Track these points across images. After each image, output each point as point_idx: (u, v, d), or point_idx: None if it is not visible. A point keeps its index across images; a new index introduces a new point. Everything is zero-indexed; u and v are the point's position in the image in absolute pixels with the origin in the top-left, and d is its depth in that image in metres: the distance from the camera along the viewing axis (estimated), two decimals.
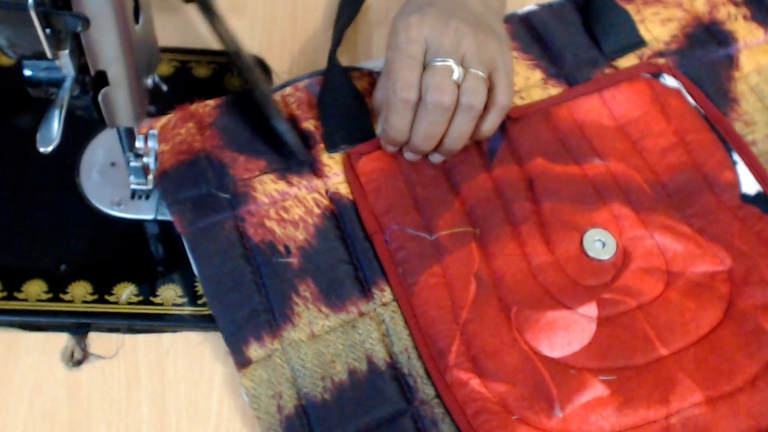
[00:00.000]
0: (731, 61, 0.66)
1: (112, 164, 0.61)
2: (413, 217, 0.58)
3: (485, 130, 0.59)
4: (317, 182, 0.60)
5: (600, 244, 0.57)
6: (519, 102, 0.64)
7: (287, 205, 0.59)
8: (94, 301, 0.56)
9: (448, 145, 0.58)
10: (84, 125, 0.59)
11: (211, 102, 0.63)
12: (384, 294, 0.56)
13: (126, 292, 0.56)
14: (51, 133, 0.46)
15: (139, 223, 0.59)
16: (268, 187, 0.59)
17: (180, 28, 0.69)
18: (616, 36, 0.67)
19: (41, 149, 0.46)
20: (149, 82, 0.52)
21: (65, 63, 0.45)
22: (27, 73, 0.46)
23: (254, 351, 0.53)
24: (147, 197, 0.60)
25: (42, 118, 0.46)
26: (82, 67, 0.47)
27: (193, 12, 0.70)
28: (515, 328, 0.54)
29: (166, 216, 0.59)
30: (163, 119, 0.61)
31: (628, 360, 0.52)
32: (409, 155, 0.60)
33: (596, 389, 0.51)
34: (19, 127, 0.63)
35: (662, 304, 0.54)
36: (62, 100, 0.46)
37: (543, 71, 0.66)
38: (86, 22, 0.44)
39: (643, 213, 0.58)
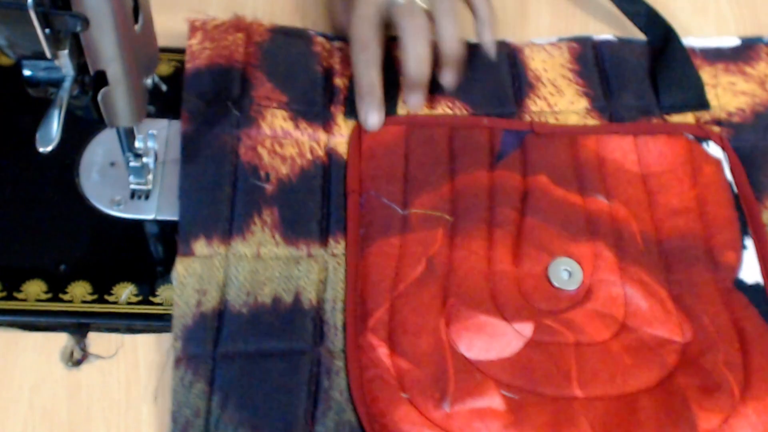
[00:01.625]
0: None
1: (112, 164, 0.61)
2: (394, 189, 0.59)
3: (485, 42, 0.64)
4: (322, 135, 0.62)
5: (566, 273, 0.56)
6: (552, 122, 0.64)
7: (284, 143, 0.61)
8: (93, 301, 0.56)
9: (448, 50, 0.62)
10: (83, 125, 0.59)
11: (266, 24, 0.66)
12: (338, 246, 0.57)
13: (125, 292, 0.56)
14: (50, 133, 0.46)
15: (138, 223, 0.59)
16: (276, 121, 0.61)
17: (180, 28, 0.69)
18: (679, 92, 0.65)
19: (41, 149, 0.46)
20: (149, 82, 0.52)
21: (64, 63, 0.45)
22: (26, 73, 0.46)
23: (200, 247, 0.56)
24: (147, 197, 0.60)
25: (42, 118, 0.46)
26: (81, 67, 0.47)
27: (192, 12, 0.70)
28: (444, 317, 0.54)
29: (165, 216, 0.59)
30: (217, 20, 0.65)
31: (538, 387, 0.52)
32: (414, 98, 0.62)
33: (493, 400, 0.51)
34: (19, 127, 0.63)
35: (600, 350, 0.53)
36: (62, 100, 0.46)
37: (590, 101, 0.65)
38: (85, 22, 0.44)
39: (624, 262, 0.57)
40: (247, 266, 0.56)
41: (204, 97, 0.62)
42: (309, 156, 0.61)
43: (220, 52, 0.63)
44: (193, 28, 0.64)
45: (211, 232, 0.57)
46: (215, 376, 0.52)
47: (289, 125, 0.62)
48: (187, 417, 0.51)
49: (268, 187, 0.59)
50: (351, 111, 0.63)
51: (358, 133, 0.62)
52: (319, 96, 0.64)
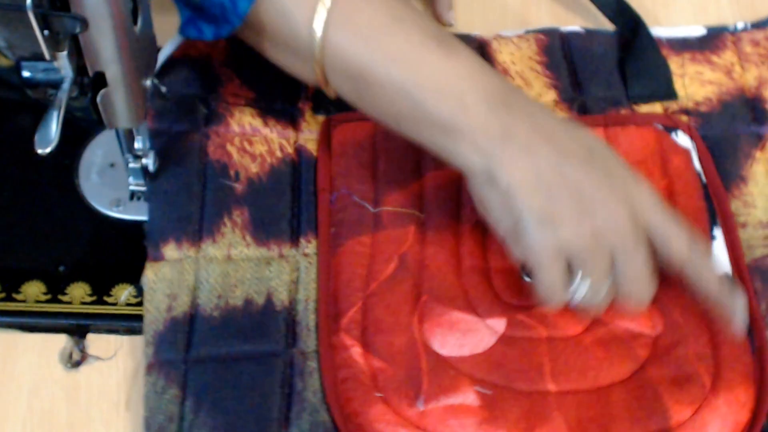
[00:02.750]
0: (759, 141, 0.63)
1: (111, 165, 0.61)
2: (365, 187, 0.59)
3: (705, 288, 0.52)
4: (290, 132, 0.62)
5: None
6: None
7: (253, 140, 0.61)
8: (92, 303, 0.56)
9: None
10: (83, 126, 0.59)
11: None
12: (309, 246, 0.57)
13: (125, 293, 0.56)
14: (49, 135, 0.46)
15: (138, 224, 0.59)
16: (244, 118, 0.62)
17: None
18: (647, 82, 0.65)
19: (40, 150, 0.46)
20: (148, 83, 0.52)
21: (63, 64, 0.45)
22: (25, 74, 0.46)
23: (170, 251, 0.56)
24: (146, 198, 0.59)
25: (41, 119, 0.46)
26: (80, 69, 0.47)
27: None
28: (417, 315, 0.54)
29: None
30: None
31: (511, 382, 0.52)
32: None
33: (467, 397, 0.51)
34: (18, 128, 0.63)
35: (572, 344, 0.53)
36: (61, 102, 0.46)
37: (558, 93, 0.65)
38: (84, 23, 0.44)
39: None
40: (218, 269, 0.56)
41: (170, 95, 0.61)
42: (279, 154, 0.61)
43: (185, 51, 0.63)
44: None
45: (180, 235, 0.56)
46: (188, 380, 0.52)
47: (257, 122, 0.62)
48: (160, 423, 0.51)
49: (238, 187, 0.59)
50: (319, 107, 0.63)
51: (328, 129, 0.62)
52: (287, 92, 0.64)
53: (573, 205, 0.48)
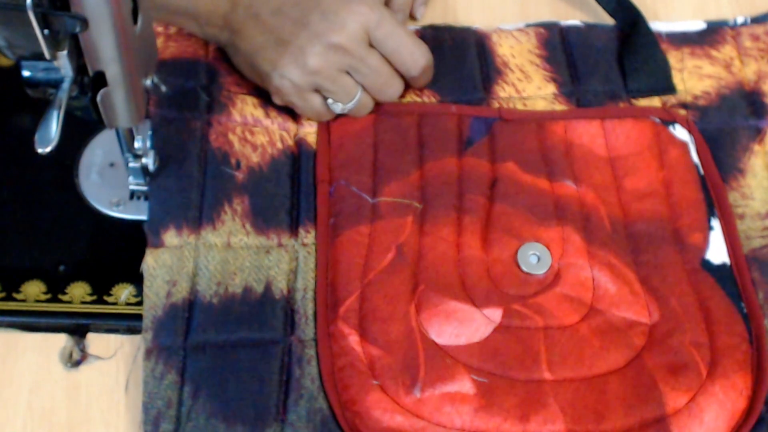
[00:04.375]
0: (757, 134, 0.64)
1: (111, 165, 0.61)
2: (364, 178, 0.59)
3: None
4: (291, 125, 0.62)
5: (535, 258, 0.56)
6: (521, 107, 0.64)
7: (255, 131, 0.61)
8: (92, 302, 0.56)
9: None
10: (83, 126, 0.59)
11: None
12: (308, 235, 0.58)
13: (125, 292, 0.56)
14: (49, 134, 0.46)
15: (137, 224, 0.59)
16: (246, 108, 0.62)
17: None
18: (646, 76, 0.66)
19: (40, 150, 0.46)
20: (148, 82, 0.52)
21: (64, 64, 0.45)
22: (25, 73, 0.46)
23: (170, 238, 0.56)
24: (146, 198, 0.59)
25: (41, 118, 0.46)
26: (80, 68, 0.47)
27: None
28: (414, 304, 0.54)
29: None
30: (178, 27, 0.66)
31: (507, 371, 0.52)
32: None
33: (463, 385, 0.51)
34: (19, 127, 0.63)
35: (568, 333, 0.54)
36: (61, 101, 0.46)
37: (557, 86, 0.65)
38: (84, 23, 0.44)
39: (592, 245, 0.57)
40: (218, 256, 0.56)
41: (171, 83, 0.62)
42: (279, 145, 0.61)
43: (185, 49, 0.64)
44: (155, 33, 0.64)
45: (180, 222, 0.57)
46: (186, 366, 0.52)
47: (259, 113, 0.62)
48: (158, 408, 0.51)
49: (239, 175, 0.59)
50: None
51: (327, 122, 0.62)
52: None
53: (299, 47, 0.57)
